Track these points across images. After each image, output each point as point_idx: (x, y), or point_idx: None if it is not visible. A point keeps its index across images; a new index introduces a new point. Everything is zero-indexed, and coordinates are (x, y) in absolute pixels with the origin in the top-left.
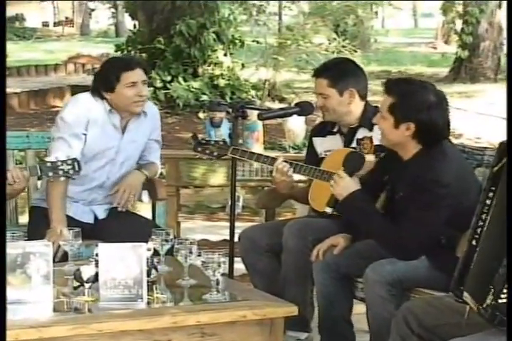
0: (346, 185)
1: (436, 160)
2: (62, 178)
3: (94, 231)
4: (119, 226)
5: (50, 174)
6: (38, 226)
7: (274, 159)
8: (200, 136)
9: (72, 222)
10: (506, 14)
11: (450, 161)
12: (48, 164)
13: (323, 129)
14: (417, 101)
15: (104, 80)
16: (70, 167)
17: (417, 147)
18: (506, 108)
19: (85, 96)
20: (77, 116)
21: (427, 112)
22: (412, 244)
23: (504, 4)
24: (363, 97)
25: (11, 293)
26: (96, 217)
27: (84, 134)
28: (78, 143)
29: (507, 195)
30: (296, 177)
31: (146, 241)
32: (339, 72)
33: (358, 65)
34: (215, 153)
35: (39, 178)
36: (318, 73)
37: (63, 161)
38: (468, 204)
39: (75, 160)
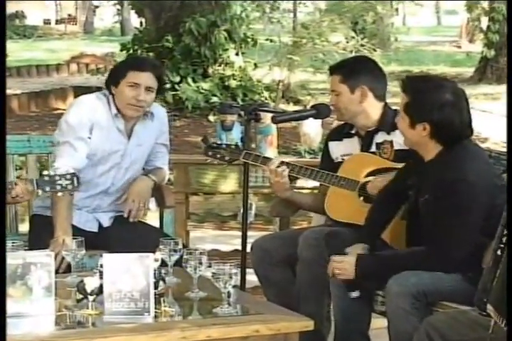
0: (348, 266)
1: (459, 159)
2: (60, 194)
3: (98, 240)
4: (124, 234)
5: (47, 189)
6: (40, 236)
7: (288, 164)
8: (211, 139)
9: (74, 231)
10: (506, 14)
11: (473, 160)
12: (46, 178)
13: (339, 133)
14: (429, 101)
15: (113, 74)
16: (68, 182)
17: (437, 147)
18: (506, 108)
19: (90, 99)
20: (81, 119)
21: (441, 111)
22: (445, 257)
23: None
24: (380, 98)
25: (11, 306)
26: (100, 225)
27: (89, 137)
28: (84, 147)
29: (508, 195)
30: (299, 183)
31: (154, 251)
32: (352, 69)
33: (377, 64)
34: (227, 158)
35: None
36: (332, 69)
37: (62, 175)
38: (496, 208)
39: (74, 175)
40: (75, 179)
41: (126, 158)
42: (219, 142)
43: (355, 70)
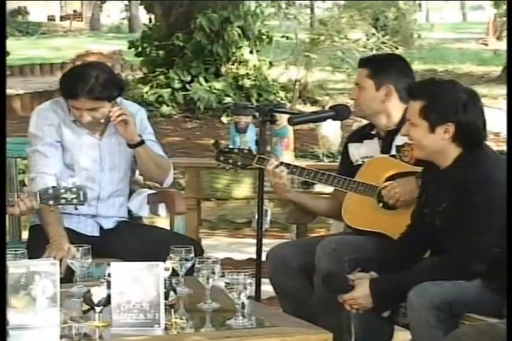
0: (361, 300)
1: (481, 161)
2: (64, 207)
3: (100, 245)
4: (131, 239)
5: (51, 202)
6: (38, 245)
7: (303, 169)
8: (222, 142)
9: (74, 236)
10: (506, 14)
11: (495, 162)
12: (50, 191)
13: (359, 135)
14: (451, 100)
15: (61, 93)
16: (74, 195)
17: (456, 151)
18: (506, 108)
19: (47, 105)
20: (43, 126)
21: (465, 111)
22: (467, 262)
23: None
24: (405, 101)
25: (13, 317)
26: (102, 230)
27: (59, 142)
28: (55, 152)
29: (508, 195)
30: (317, 188)
31: (167, 255)
32: (382, 65)
33: (409, 65)
34: (240, 163)
35: None
36: (361, 62)
37: (67, 189)
38: None
39: (80, 188)
40: (81, 193)
41: (106, 158)
42: (231, 146)
43: (384, 67)
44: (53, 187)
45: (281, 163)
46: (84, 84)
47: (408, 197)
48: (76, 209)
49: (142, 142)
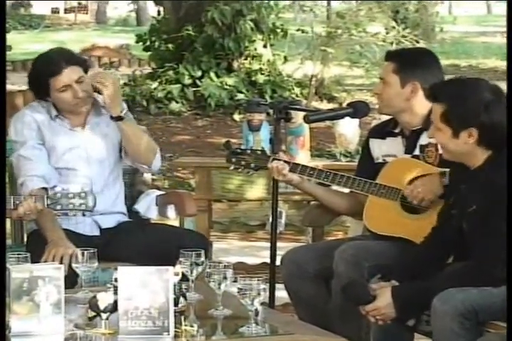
0: (384, 310)
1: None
2: (71, 214)
3: (102, 246)
4: (134, 237)
5: (58, 207)
6: (40, 251)
7: (321, 171)
8: (234, 140)
9: (73, 236)
10: (506, 14)
11: None
12: (58, 195)
13: (382, 130)
14: (472, 103)
15: (36, 87)
16: (82, 201)
17: (485, 153)
18: (506, 108)
19: (23, 111)
20: (23, 131)
21: (487, 113)
22: (494, 267)
23: None
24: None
25: (16, 324)
26: (101, 229)
27: (41, 144)
28: (39, 154)
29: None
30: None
31: (172, 256)
32: (410, 60)
33: (438, 61)
34: (253, 165)
35: None
36: (388, 55)
37: (76, 193)
38: None
39: (90, 193)
40: (89, 198)
41: (93, 152)
42: (243, 147)
43: (412, 62)
44: (61, 191)
45: (297, 165)
46: (61, 57)
47: (432, 197)
48: (84, 215)
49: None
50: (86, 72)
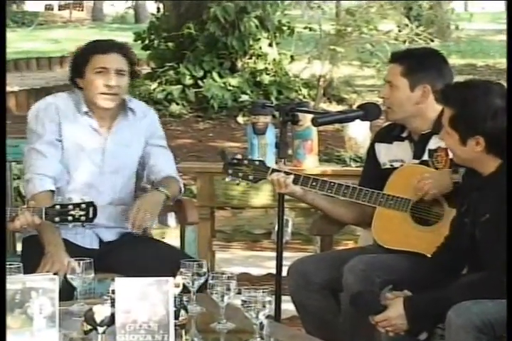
0: (395, 321)
1: None
2: (70, 225)
3: (100, 259)
4: (133, 254)
5: (57, 219)
6: (35, 260)
7: (325, 183)
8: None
9: (71, 248)
10: (506, 14)
11: None
12: (57, 207)
13: (389, 134)
14: (479, 110)
15: (74, 62)
16: (82, 213)
17: (496, 161)
18: (506, 107)
19: (50, 99)
20: (44, 122)
21: (495, 121)
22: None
23: None
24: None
25: (9, 338)
26: (101, 242)
27: (59, 140)
28: (54, 152)
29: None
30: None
31: (172, 274)
32: (419, 62)
33: (447, 62)
34: (251, 177)
35: None
36: (394, 57)
37: (76, 205)
38: None
39: (90, 204)
40: (90, 209)
41: (109, 161)
42: (238, 157)
43: (421, 64)
44: (60, 203)
45: (299, 177)
46: (114, 44)
47: (437, 192)
48: (83, 226)
49: None
50: (131, 76)
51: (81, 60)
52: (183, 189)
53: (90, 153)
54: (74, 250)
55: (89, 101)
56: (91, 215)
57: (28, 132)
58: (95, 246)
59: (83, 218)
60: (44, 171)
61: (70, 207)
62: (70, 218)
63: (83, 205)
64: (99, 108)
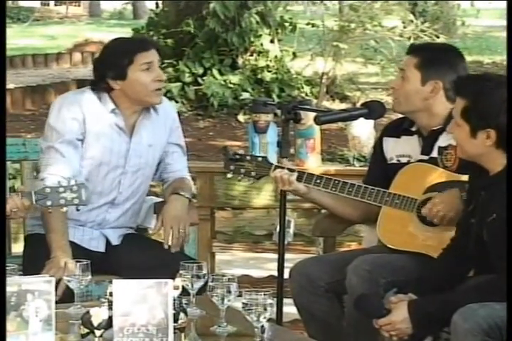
0: (399, 325)
1: None
2: (64, 209)
3: (105, 263)
4: (136, 256)
5: (48, 203)
6: (36, 258)
7: (329, 180)
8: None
9: (77, 251)
10: (506, 14)
11: None
12: (47, 190)
13: (398, 128)
14: (493, 102)
15: (113, 65)
16: (74, 195)
17: (504, 157)
18: (506, 108)
19: (76, 95)
20: (66, 120)
21: (507, 115)
22: None
23: None
24: (452, 100)
25: None
26: (108, 244)
27: (81, 140)
28: (74, 152)
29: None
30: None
31: (173, 277)
32: (435, 56)
33: (464, 61)
34: (253, 173)
35: None
36: (412, 49)
37: (66, 187)
38: None
39: (81, 186)
40: (82, 191)
41: (132, 160)
42: (241, 153)
43: (437, 59)
44: (50, 186)
45: (303, 174)
46: (147, 39)
47: (454, 214)
48: (78, 210)
49: None
50: None
51: (123, 60)
52: (193, 188)
53: (113, 153)
54: (79, 253)
55: (137, 100)
56: (83, 197)
57: (47, 128)
58: (101, 249)
59: (76, 200)
60: (60, 172)
61: (61, 189)
62: (62, 201)
63: (75, 187)
64: (145, 105)
